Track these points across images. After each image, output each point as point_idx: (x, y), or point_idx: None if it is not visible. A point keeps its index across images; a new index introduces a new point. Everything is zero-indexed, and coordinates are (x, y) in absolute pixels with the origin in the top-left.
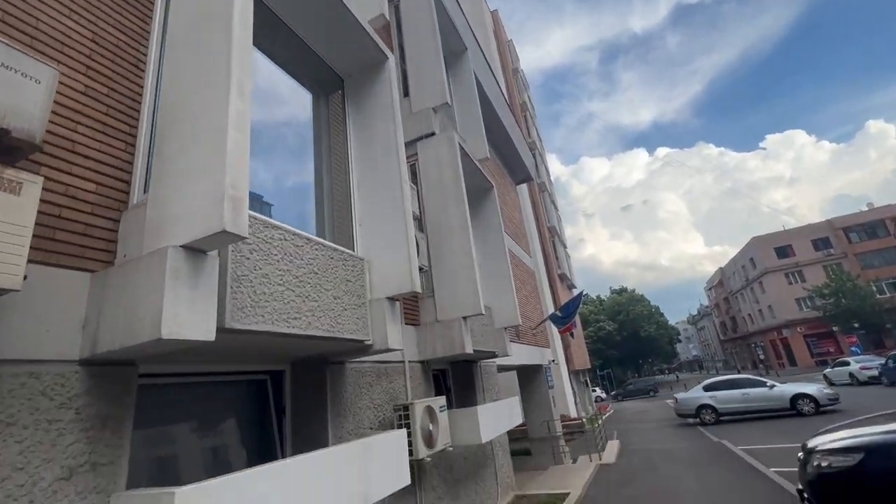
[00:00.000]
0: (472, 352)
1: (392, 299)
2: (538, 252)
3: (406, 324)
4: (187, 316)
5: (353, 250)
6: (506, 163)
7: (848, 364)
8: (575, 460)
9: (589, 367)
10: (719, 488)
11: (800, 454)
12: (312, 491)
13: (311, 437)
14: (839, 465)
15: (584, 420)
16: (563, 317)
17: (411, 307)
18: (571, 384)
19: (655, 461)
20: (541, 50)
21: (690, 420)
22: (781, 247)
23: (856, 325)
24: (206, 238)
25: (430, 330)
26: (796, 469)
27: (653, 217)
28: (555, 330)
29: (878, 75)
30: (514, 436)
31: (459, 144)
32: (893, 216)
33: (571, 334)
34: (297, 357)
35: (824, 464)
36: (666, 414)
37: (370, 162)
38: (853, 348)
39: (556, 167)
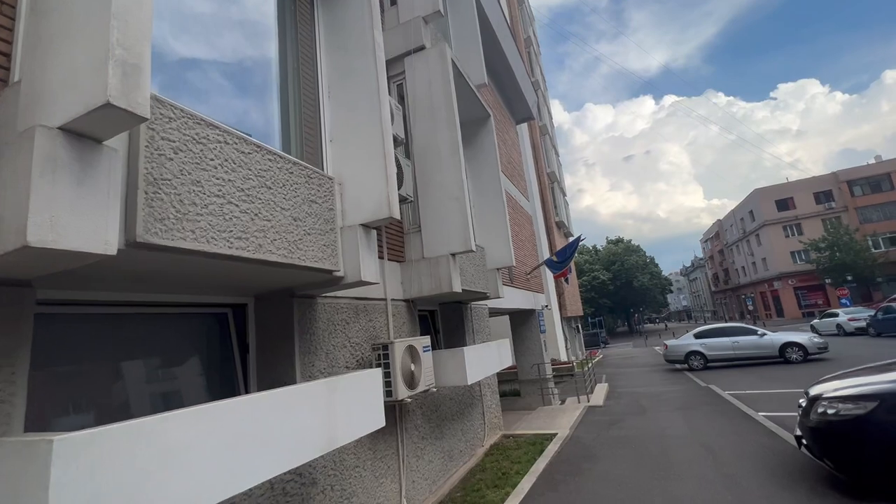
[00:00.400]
0: (460, 291)
1: (367, 227)
2: (536, 197)
3: (390, 259)
4: (70, 220)
5: (322, 168)
6: (506, 98)
7: (836, 315)
8: (563, 402)
9: (581, 314)
10: (708, 431)
11: (801, 400)
12: (254, 438)
13: (279, 378)
14: (848, 413)
15: (574, 364)
16: (559, 262)
17: (396, 242)
18: (563, 330)
19: (643, 404)
20: None
21: (678, 366)
22: (783, 199)
23: (849, 277)
24: (86, 116)
25: (415, 267)
26: (786, 414)
27: (654, 168)
28: (549, 276)
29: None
30: (505, 377)
31: (453, 61)
32: None
33: (566, 280)
34: (261, 289)
35: (831, 411)
36: (654, 359)
37: (343, 66)
38: (843, 300)
39: (558, 114)
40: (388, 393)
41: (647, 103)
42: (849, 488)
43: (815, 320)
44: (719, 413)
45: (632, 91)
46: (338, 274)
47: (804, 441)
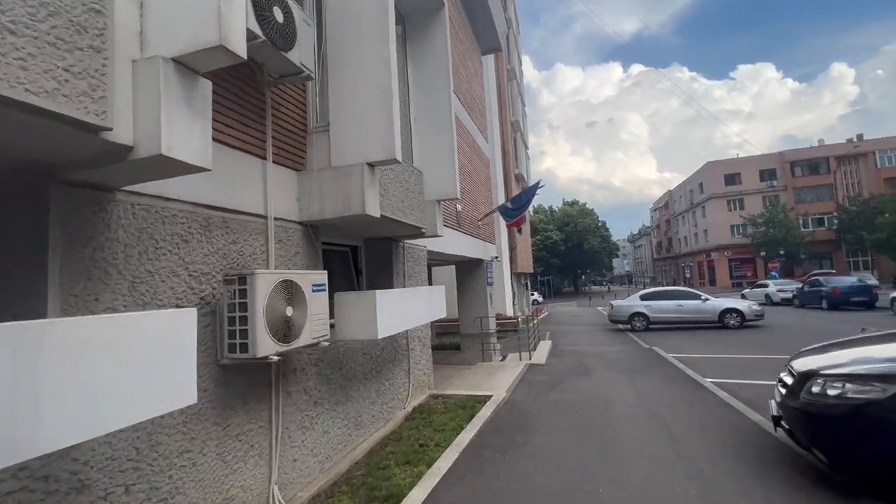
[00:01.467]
0: (377, 216)
1: (185, 67)
2: (497, 144)
3: (280, 163)
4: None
5: None
6: (472, 17)
7: (766, 286)
8: (504, 358)
9: (531, 271)
10: (658, 399)
11: (783, 375)
12: None
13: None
14: (858, 396)
15: (519, 319)
16: (514, 209)
17: (293, 142)
18: (512, 285)
19: (587, 364)
20: None
21: (620, 326)
22: (731, 174)
23: (781, 252)
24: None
25: (319, 179)
26: (732, 381)
27: (615, 136)
28: (502, 227)
29: (851, 14)
30: (446, 329)
31: None
32: (837, 155)
33: (519, 230)
34: None
35: (832, 392)
36: (597, 319)
37: None
38: (773, 273)
39: (528, 71)
40: (234, 347)
41: (615, 70)
42: (834, 483)
43: (747, 290)
44: (667, 378)
45: (602, 56)
46: (109, 135)
47: (784, 424)
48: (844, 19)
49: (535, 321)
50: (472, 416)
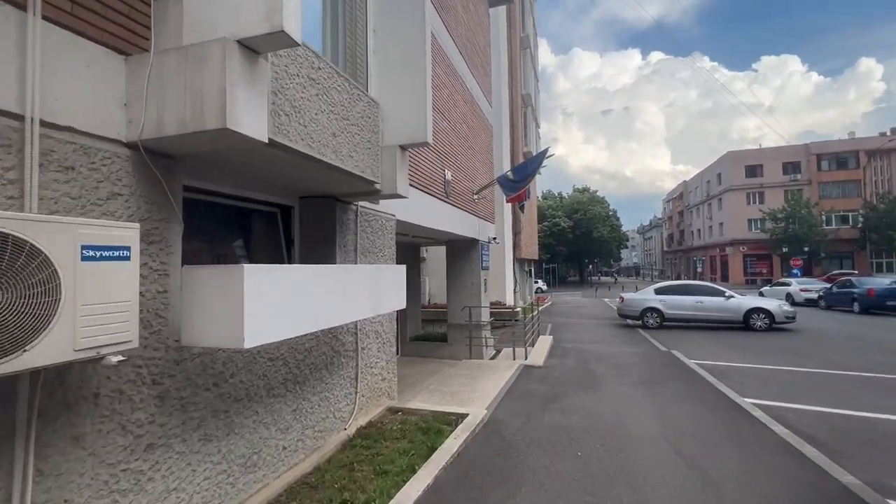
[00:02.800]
0: (257, 137)
1: None
2: (505, 117)
3: (85, 34)
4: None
5: None
6: None
7: (788, 285)
8: (497, 354)
9: (536, 258)
10: (689, 432)
11: None
12: None
13: None
14: None
15: (518, 309)
16: (517, 180)
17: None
18: (514, 272)
19: (593, 369)
20: None
21: (630, 321)
22: (752, 166)
23: (806, 249)
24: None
25: (158, 67)
26: (784, 405)
27: (629, 126)
28: (507, 209)
29: (884, 6)
30: (433, 316)
31: None
32: (868, 149)
33: (521, 206)
34: None
35: None
36: (604, 312)
37: None
38: (795, 271)
39: (545, 55)
40: None
41: (633, 57)
42: None
43: (765, 288)
44: (696, 397)
45: (620, 42)
46: None
47: None
48: (876, 12)
49: (536, 312)
50: (433, 448)
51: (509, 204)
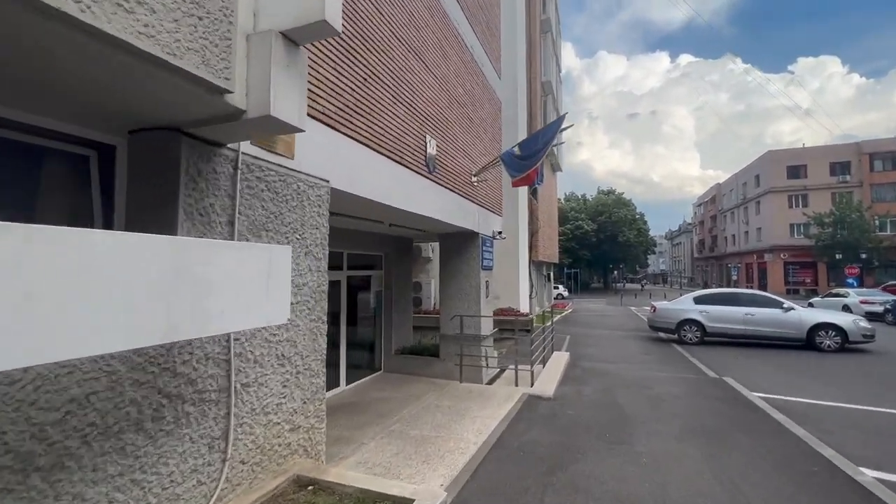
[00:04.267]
0: None
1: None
2: (522, 105)
3: None
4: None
5: None
6: None
7: (844, 296)
8: (497, 376)
9: (556, 261)
10: None
11: None
12: None
13: None
14: None
15: (532, 317)
16: (525, 157)
17: None
18: (531, 275)
19: (622, 404)
20: None
21: (664, 335)
22: (795, 166)
23: (863, 256)
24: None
25: None
26: None
27: (657, 130)
28: (521, 201)
29: None
30: (433, 323)
31: None
32: None
33: (534, 192)
34: None
35: None
36: (631, 322)
37: None
38: (850, 280)
39: (570, 59)
40: None
41: (662, 60)
42: None
43: (816, 299)
44: (787, 464)
45: (648, 44)
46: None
47: None
48: None
49: (552, 321)
50: None
51: (524, 196)
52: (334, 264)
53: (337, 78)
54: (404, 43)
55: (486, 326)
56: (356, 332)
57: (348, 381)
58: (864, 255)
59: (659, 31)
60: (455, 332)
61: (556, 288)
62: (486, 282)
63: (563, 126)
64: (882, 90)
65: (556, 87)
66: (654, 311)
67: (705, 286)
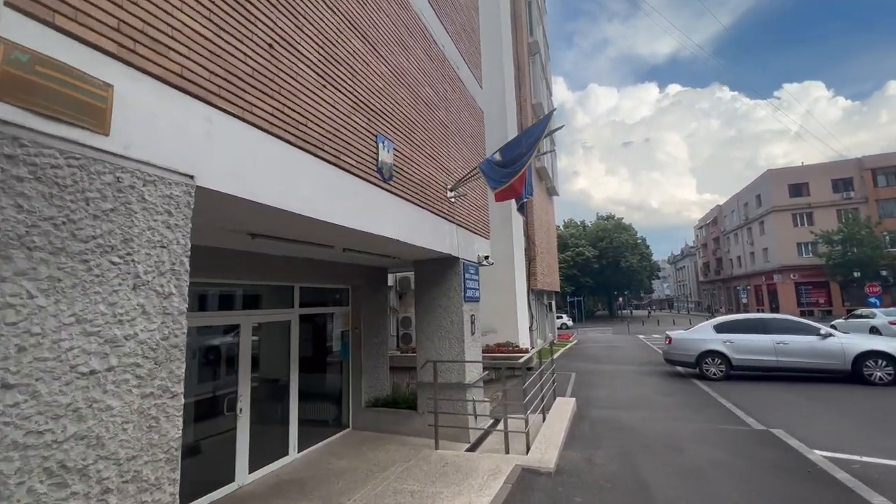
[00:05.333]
0: None
1: None
2: (511, 126)
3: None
4: None
5: None
6: None
7: (870, 316)
8: (494, 425)
9: (558, 289)
10: None
11: None
12: None
13: None
14: None
15: (532, 352)
16: (507, 163)
17: None
18: (530, 305)
19: (649, 481)
20: None
21: (682, 369)
22: (797, 184)
23: (884, 273)
24: None
25: None
26: None
27: (651, 157)
28: (515, 227)
29: None
30: (414, 363)
31: None
32: None
33: (521, 207)
34: None
35: None
36: (643, 354)
37: None
38: (872, 299)
39: (562, 92)
40: None
41: (651, 91)
42: None
43: (839, 321)
44: None
45: (637, 77)
46: None
47: None
48: None
49: (552, 357)
50: None
51: (518, 219)
52: (282, 301)
53: (215, 33)
54: (339, 15)
55: (474, 373)
56: (315, 382)
57: (302, 446)
58: (884, 273)
59: (646, 63)
60: (427, 377)
61: (560, 317)
62: (472, 316)
63: (553, 128)
64: (868, 111)
65: (546, 108)
66: (670, 342)
67: (708, 310)
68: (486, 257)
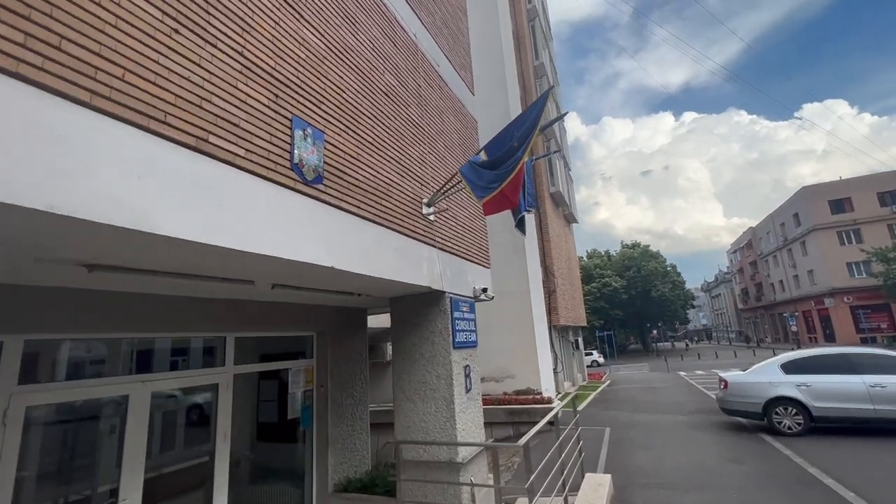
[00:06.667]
0: None
1: None
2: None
3: None
4: None
5: None
6: None
7: None
8: None
9: (584, 324)
10: None
11: None
12: None
13: None
14: None
15: (553, 399)
16: (494, 164)
17: None
18: (552, 344)
19: None
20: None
21: (744, 420)
22: (838, 199)
23: None
24: None
25: None
26: None
27: (672, 184)
28: (530, 255)
29: None
30: (383, 418)
31: None
32: None
33: (521, 223)
34: None
35: None
36: (689, 396)
37: None
38: None
39: (576, 127)
40: None
41: (666, 119)
42: None
43: None
44: None
45: (651, 107)
46: None
47: None
48: None
49: (574, 408)
50: None
51: (533, 247)
52: (206, 357)
53: None
54: None
55: (461, 454)
56: (265, 459)
57: None
58: None
59: (659, 94)
60: (416, 455)
61: (590, 353)
62: (466, 367)
63: (556, 116)
64: None
65: (558, 134)
66: (726, 386)
67: (747, 340)
68: (485, 290)
